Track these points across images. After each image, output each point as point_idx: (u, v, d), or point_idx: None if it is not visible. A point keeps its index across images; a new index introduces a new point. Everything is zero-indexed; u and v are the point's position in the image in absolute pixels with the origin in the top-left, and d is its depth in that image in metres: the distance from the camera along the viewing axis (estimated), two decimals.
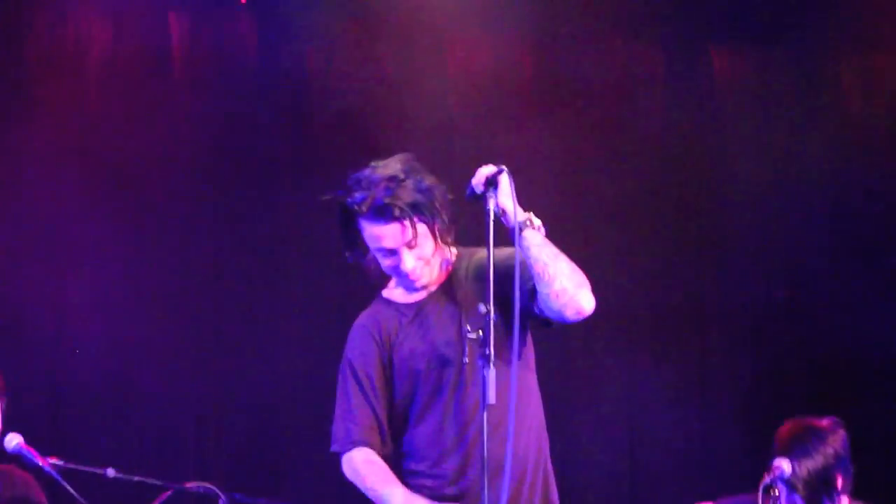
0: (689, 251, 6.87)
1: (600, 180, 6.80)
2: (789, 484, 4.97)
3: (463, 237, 4.53)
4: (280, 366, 6.56)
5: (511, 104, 6.77)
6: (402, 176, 4.33)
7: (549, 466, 4.53)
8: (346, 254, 4.47)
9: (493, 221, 4.26)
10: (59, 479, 4.72)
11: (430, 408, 4.42)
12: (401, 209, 4.29)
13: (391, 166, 4.36)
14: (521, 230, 4.28)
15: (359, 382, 4.45)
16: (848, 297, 6.89)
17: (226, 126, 6.67)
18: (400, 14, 6.71)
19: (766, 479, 4.88)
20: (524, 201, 4.31)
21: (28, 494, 4.96)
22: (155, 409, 6.47)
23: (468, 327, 4.25)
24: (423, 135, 6.48)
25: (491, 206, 4.27)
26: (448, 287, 4.47)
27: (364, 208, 4.32)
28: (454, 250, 4.52)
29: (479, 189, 4.32)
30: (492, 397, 4.13)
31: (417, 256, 4.37)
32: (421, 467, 4.44)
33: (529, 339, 4.48)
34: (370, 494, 4.43)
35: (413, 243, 4.35)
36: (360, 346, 4.49)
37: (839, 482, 5.07)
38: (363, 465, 4.44)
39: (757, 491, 4.89)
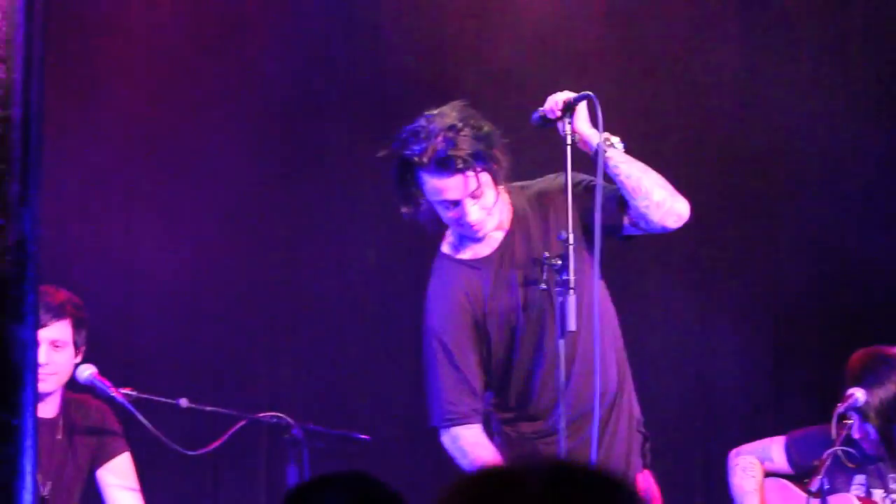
0: (763, 201, 6.78)
1: (672, 126, 6.72)
2: (862, 413, 4.93)
3: (528, 162, 4.48)
4: (354, 296, 6.53)
5: (583, 49, 6.67)
6: (459, 125, 4.25)
7: (631, 383, 4.53)
8: (402, 209, 4.37)
9: (570, 146, 4.24)
10: (132, 409, 4.73)
11: (524, 352, 4.38)
12: (464, 160, 4.21)
13: (447, 116, 4.27)
14: (604, 151, 4.25)
15: (449, 353, 4.36)
16: None
17: (300, 75, 6.61)
18: None
19: (840, 408, 4.84)
20: None
21: (104, 424, 4.94)
22: (227, 340, 6.45)
23: (547, 254, 4.22)
24: (495, 81, 6.42)
25: (568, 130, 4.24)
26: (517, 228, 4.41)
27: (426, 160, 4.22)
28: (504, 189, 4.43)
29: (553, 114, 4.29)
30: (572, 324, 4.12)
31: (481, 206, 4.28)
32: (515, 413, 4.43)
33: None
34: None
35: (477, 193, 4.26)
36: (445, 313, 4.38)
37: None
38: (472, 446, 4.36)
39: (828, 423, 4.86)
